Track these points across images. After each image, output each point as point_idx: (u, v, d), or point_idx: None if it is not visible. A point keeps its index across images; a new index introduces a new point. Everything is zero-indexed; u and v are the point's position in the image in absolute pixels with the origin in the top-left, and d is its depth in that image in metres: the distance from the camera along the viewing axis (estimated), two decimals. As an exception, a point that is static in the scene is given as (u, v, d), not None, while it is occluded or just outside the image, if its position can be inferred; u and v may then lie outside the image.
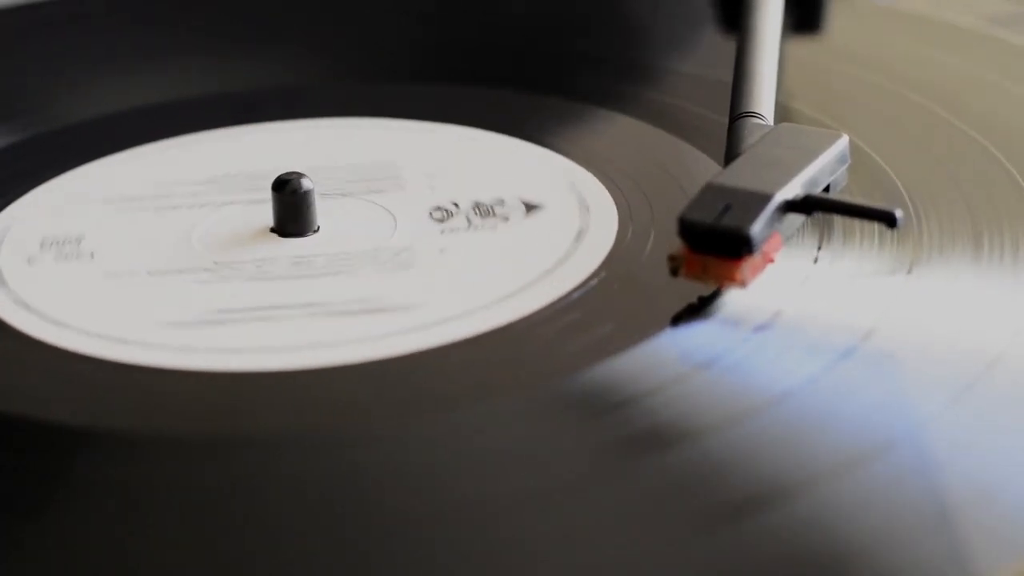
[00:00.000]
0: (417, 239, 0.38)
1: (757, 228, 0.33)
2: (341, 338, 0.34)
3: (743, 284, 0.33)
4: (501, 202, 0.39)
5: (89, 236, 0.39)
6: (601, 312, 0.34)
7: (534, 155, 0.42)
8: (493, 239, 0.38)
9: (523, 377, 0.33)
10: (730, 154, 0.37)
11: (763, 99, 0.39)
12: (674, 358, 0.33)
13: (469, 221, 0.39)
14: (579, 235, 0.37)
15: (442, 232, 0.38)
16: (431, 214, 0.39)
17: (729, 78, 0.41)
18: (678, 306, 0.34)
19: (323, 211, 0.39)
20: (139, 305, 0.36)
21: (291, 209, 0.38)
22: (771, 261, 0.34)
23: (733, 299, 0.34)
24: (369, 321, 0.34)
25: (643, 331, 0.33)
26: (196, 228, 0.39)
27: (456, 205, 0.39)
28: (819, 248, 0.36)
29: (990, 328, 0.33)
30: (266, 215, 0.39)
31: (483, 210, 0.39)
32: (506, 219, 0.39)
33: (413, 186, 0.40)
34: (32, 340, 0.35)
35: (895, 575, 0.27)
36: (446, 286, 0.36)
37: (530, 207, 0.39)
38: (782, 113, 0.40)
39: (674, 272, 0.34)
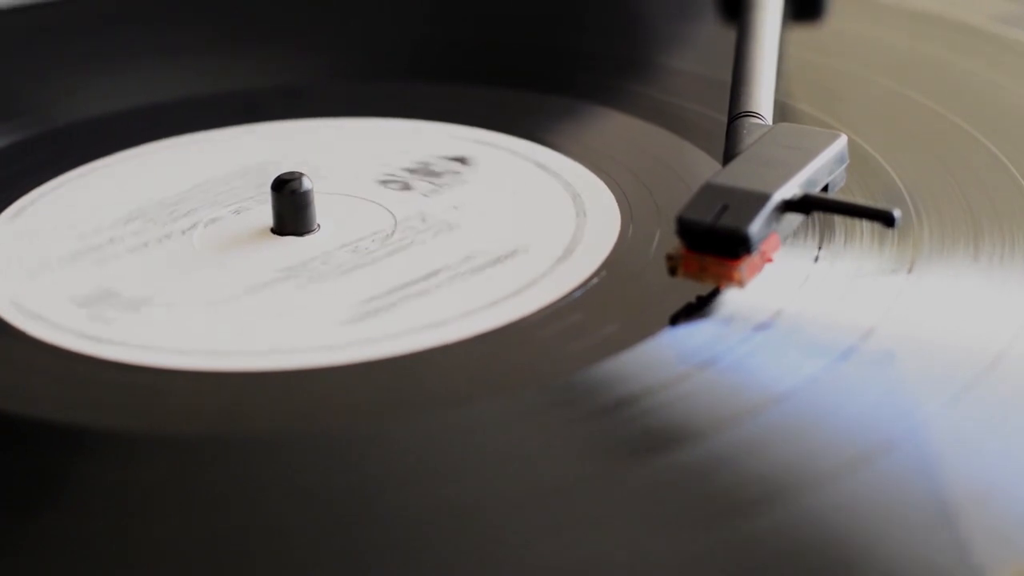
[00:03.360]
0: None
1: (755, 228, 0.33)
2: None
3: (741, 284, 0.33)
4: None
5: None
6: (600, 312, 0.34)
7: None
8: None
9: (523, 377, 0.33)
10: (729, 153, 0.37)
11: (762, 99, 0.39)
12: (673, 358, 0.33)
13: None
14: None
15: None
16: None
17: (730, 76, 0.41)
18: (677, 306, 0.34)
19: (323, 211, 0.39)
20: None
21: (291, 209, 0.38)
22: (769, 261, 0.34)
23: (733, 298, 0.34)
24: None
25: (642, 331, 0.33)
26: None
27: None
28: (820, 247, 0.36)
29: (990, 327, 0.33)
30: (265, 215, 0.39)
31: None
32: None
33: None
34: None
35: (896, 575, 0.27)
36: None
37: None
38: (781, 112, 0.40)
39: (672, 271, 0.34)
